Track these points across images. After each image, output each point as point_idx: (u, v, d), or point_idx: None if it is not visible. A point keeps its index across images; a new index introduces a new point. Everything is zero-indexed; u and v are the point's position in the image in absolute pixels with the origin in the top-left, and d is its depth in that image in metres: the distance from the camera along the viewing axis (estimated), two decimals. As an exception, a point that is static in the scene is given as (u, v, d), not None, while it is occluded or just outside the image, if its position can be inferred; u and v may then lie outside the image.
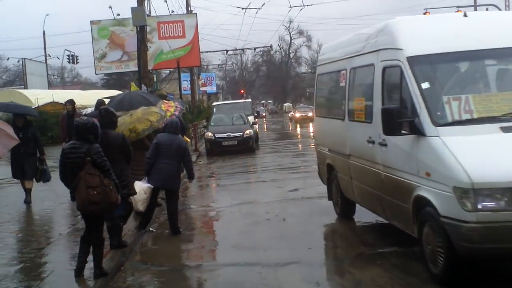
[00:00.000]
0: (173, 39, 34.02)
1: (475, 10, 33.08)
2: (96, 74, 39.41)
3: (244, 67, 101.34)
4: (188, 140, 18.72)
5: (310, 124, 41.87)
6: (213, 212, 11.28)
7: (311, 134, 32.28)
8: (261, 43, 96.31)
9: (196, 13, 36.43)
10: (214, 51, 56.45)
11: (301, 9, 40.03)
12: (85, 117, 6.78)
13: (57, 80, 78.13)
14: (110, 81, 78.41)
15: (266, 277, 6.72)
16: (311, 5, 41.02)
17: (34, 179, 11.69)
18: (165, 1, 33.77)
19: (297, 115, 52.85)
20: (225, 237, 9.03)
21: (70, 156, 6.54)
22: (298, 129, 41.16)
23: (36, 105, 30.13)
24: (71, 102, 13.87)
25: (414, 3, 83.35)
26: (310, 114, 50.00)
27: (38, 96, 32.01)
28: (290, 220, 9.71)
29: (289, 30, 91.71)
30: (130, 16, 33.65)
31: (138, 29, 21.68)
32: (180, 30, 34.96)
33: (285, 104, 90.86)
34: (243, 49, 57.94)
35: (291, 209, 10.73)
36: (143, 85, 21.63)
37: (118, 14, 35.51)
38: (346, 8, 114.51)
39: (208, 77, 70.30)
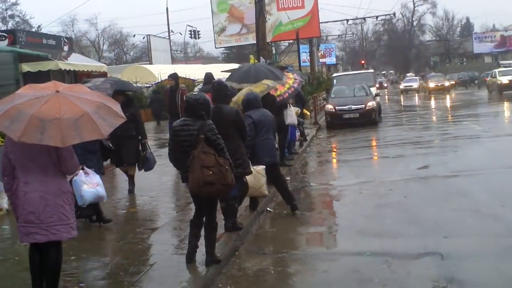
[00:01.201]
0: (292, 10, 33.34)
1: None
2: (215, 48, 39.68)
3: (364, 37, 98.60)
4: (308, 113, 18.05)
5: (447, 97, 39.31)
6: (334, 191, 10.44)
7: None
8: (383, 11, 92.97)
9: (314, -16, 35.35)
10: (334, 21, 54.83)
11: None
12: (197, 92, 6.24)
13: (180, 55, 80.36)
14: (231, 55, 79.49)
15: (396, 271, 5.85)
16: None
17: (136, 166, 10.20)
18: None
19: (431, 85, 46.83)
20: (348, 221, 8.18)
21: (182, 134, 6.04)
22: (432, 102, 35.76)
23: (159, 80, 30.82)
24: (174, 76, 13.26)
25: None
26: (446, 83, 47.00)
27: (161, 70, 32.63)
28: (420, 202, 8.70)
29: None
30: (249, -12, 33.34)
31: (256, 0, 21.18)
32: (299, 0, 34.15)
33: (408, 74, 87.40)
34: (364, 18, 55.85)
35: (421, 189, 9.72)
36: (261, 57, 21.16)
37: (237, -13, 35.41)
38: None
39: (328, 48, 68.84)
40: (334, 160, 14.61)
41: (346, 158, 14.45)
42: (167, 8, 56.70)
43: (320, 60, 59.95)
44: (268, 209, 9.02)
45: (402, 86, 52.89)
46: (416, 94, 48.36)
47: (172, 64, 49.48)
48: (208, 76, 12.67)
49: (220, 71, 33.03)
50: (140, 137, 9.97)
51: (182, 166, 6.16)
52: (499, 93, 33.64)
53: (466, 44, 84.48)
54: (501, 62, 68.19)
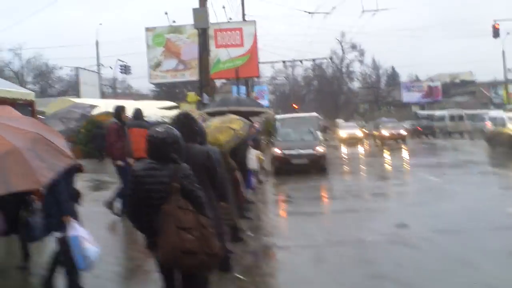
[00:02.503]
0: (231, 47, 32.14)
1: None
2: (150, 83, 37.82)
3: (294, 81, 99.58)
4: (262, 158, 16.54)
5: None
6: (309, 254, 8.63)
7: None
8: (316, 56, 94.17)
9: (255, 21, 34.34)
10: (272, 62, 54.47)
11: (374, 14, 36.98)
12: (159, 128, 4.55)
13: (108, 90, 77.58)
14: (161, 93, 77.61)
15: None
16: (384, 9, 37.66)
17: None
18: (223, 7, 32.14)
19: (385, 133, 39.64)
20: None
21: (147, 182, 4.40)
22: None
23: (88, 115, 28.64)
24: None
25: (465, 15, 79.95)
26: (403, 132, 39.75)
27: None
28: (422, 275, 7.17)
29: (341, 44, 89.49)
30: (186, 23, 32.08)
31: (199, 32, 19.80)
32: (238, 38, 33.08)
33: (337, 120, 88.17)
34: (301, 61, 55.81)
35: (412, 254, 8.25)
36: (204, 94, 19.63)
37: (174, 21, 33.96)
38: (400, 20, 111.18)
39: (260, 90, 68.22)
40: (295, 213, 12.74)
41: (308, 210, 12.87)
42: (96, 41, 54.25)
43: (254, 102, 58.99)
44: (237, 275, 7.31)
45: (343, 134, 43.74)
46: (360, 145, 40.83)
47: (101, 99, 47.20)
48: (137, 111, 11.65)
49: (157, 108, 31.38)
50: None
51: (147, 227, 4.44)
52: None
53: (394, 92, 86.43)
54: (418, 112, 69.95)
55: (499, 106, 70.28)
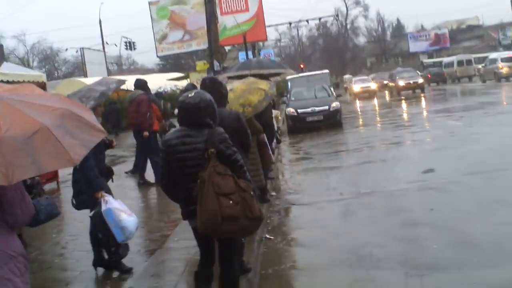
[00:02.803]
0: (236, 13, 31.66)
1: None
2: (157, 56, 37.50)
3: (300, 42, 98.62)
4: (279, 117, 16.39)
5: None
6: (338, 207, 8.48)
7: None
8: (320, 15, 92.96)
9: (257, -15, 33.75)
10: (277, 25, 53.70)
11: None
12: (190, 93, 4.34)
13: (114, 68, 77.33)
14: (167, 65, 77.31)
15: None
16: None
17: None
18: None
19: (401, 83, 37.94)
20: (381, 248, 6.36)
21: (181, 150, 4.20)
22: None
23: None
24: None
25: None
26: (420, 80, 37.77)
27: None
28: (457, 217, 6.99)
29: (344, 0, 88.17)
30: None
31: (206, 0, 19.47)
32: (243, 4, 32.59)
33: (345, 76, 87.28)
34: (307, 20, 55.11)
35: (444, 198, 8.06)
36: (215, 62, 19.37)
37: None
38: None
39: (266, 54, 67.52)
40: (316, 169, 12.57)
41: (329, 165, 12.71)
42: (100, 19, 53.71)
43: (261, 66, 58.44)
44: (266, 235, 7.22)
45: (356, 87, 42.66)
46: (376, 98, 40.08)
47: (108, 76, 47.01)
48: (139, 81, 11.66)
49: (166, 80, 31.16)
50: None
51: (183, 197, 4.28)
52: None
53: (401, 44, 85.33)
54: (424, 61, 69.28)
55: (508, 47, 69.29)
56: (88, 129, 3.32)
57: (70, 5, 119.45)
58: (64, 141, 3.04)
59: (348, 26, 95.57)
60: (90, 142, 3.29)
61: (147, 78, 33.65)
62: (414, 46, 79.71)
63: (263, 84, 7.48)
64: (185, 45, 33.09)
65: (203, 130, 4.20)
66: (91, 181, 5.62)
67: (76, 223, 8.51)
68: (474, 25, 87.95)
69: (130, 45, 56.73)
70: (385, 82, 45.15)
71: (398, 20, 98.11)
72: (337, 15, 55.32)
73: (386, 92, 43.34)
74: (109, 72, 56.54)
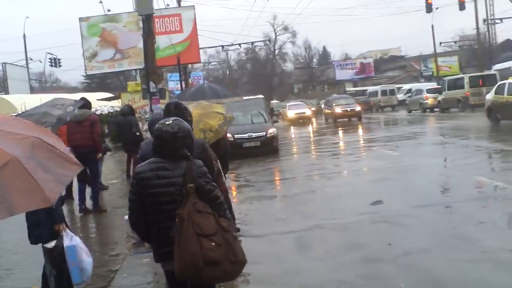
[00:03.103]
0: (170, 33, 31.09)
1: None
2: (86, 74, 36.24)
3: (227, 66, 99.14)
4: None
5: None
6: (289, 240, 8.18)
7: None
8: (250, 40, 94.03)
9: (193, 6, 33.42)
10: (209, 47, 53.64)
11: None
12: (167, 120, 3.96)
13: (35, 85, 74.62)
14: (92, 84, 75.48)
15: None
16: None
17: None
18: (161, -6, 30.93)
19: (338, 110, 36.94)
20: None
21: (156, 184, 3.82)
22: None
23: (23, 111, 27.24)
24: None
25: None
26: (357, 108, 36.85)
27: (24, 101, 29.02)
28: (420, 254, 6.84)
29: (273, 26, 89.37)
30: (122, 11, 30.92)
31: (143, 18, 18.97)
32: (177, 24, 32.09)
33: (272, 102, 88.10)
34: (239, 44, 55.37)
35: (401, 233, 7.95)
36: (151, 83, 18.84)
37: (109, 10, 32.66)
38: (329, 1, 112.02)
39: (196, 76, 67.27)
40: (260, 197, 12.10)
41: (273, 193, 12.49)
42: (24, 34, 51.87)
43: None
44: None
45: (291, 113, 41.16)
46: (311, 125, 39.05)
47: (31, 93, 45.29)
48: (86, 100, 11.19)
49: (96, 100, 30.13)
50: None
51: (157, 236, 3.89)
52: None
53: (328, 71, 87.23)
54: (347, 89, 71.44)
55: (429, 78, 72.26)
56: (62, 161, 2.91)
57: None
58: (38, 176, 2.63)
59: (276, 52, 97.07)
60: (66, 177, 2.89)
61: (73, 97, 32.60)
62: (340, 74, 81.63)
63: (219, 108, 7.19)
64: (116, 64, 32.16)
65: (180, 162, 3.87)
66: (53, 210, 5.04)
67: (9, 255, 7.82)
68: (397, 56, 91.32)
69: (55, 62, 55.00)
70: (323, 108, 44.35)
71: (324, 48, 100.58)
72: (268, 40, 55.83)
73: (322, 118, 43.32)
74: (32, 89, 54.53)
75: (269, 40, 58.91)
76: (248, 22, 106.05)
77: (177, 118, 4.11)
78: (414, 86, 49.37)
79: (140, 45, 32.05)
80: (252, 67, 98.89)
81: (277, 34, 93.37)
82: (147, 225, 3.92)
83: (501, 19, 46.41)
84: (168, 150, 3.86)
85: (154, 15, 31.88)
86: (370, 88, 60.11)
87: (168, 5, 32.45)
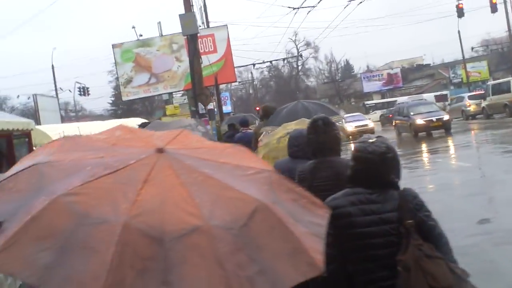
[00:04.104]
0: (205, 54, 30.46)
1: None
2: (123, 100, 35.87)
3: (253, 84, 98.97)
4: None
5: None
6: None
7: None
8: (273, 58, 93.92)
9: (226, 25, 32.79)
10: (243, 66, 53.51)
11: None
12: (368, 139, 3.11)
13: (62, 114, 74.87)
14: (118, 111, 75.50)
15: None
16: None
17: None
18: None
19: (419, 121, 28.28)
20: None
21: (362, 222, 3.00)
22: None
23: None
24: None
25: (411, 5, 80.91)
26: (445, 117, 28.44)
27: (63, 130, 28.53)
28: None
29: (295, 42, 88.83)
30: (154, 35, 30.46)
31: (188, 38, 18.35)
32: (211, 45, 31.54)
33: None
34: (271, 61, 55.14)
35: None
36: (200, 104, 18.13)
37: (141, 35, 32.32)
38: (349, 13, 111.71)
39: (223, 96, 66.87)
40: None
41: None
42: (52, 65, 51.94)
43: (218, 108, 57.62)
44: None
45: (350, 127, 34.18)
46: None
47: (62, 123, 45.05)
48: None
49: (137, 125, 29.60)
50: None
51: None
52: None
53: (355, 84, 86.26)
54: (366, 102, 70.11)
55: (458, 85, 70.91)
56: (307, 204, 2.07)
57: (23, 51, 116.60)
58: (294, 229, 1.80)
59: (300, 67, 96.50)
60: (320, 228, 2.04)
61: (107, 124, 32.17)
62: (368, 86, 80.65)
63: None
64: (151, 89, 31.70)
65: (388, 191, 3.00)
66: None
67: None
68: (423, 64, 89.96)
69: (84, 91, 54.98)
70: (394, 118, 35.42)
71: (347, 61, 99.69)
72: (301, 55, 55.48)
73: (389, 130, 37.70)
74: (63, 119, 54.48)
75: (301, 55, 58.10)
76: (273, 39, 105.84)
77: (380, 135, 3.26)
78: (459, 93, 48.10)
79: (174, 68, 31.79)
80: (276, 85, 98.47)
81: (299, 50, 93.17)
82: (348, 276, 3.06)
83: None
84: (374, 176, 3.01)
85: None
86: (399, 99, 58.18)
87: (200, 26, 31.76)
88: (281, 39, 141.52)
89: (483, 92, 36.73)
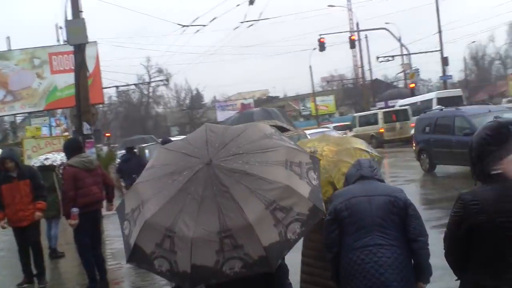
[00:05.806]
0: (70, 72, 28.01)
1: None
2: (-27, 119, 31.92)
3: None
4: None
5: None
6: None
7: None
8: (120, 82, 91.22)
9: (96, 41, 30.22)
10: (109, 87, 50.75)
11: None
12: None
13: None
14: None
15: None
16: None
17: None
18: (60, 27, 28.09)
19: None
20: None
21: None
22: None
23: None
24: None
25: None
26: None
27: None
28: None
29: (147, 69, 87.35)
30: (14, 48, 27.50)
31: (76, 49, 16.41)
32: (76, 62, 29.09)
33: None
34: (136, 84, 53.28)
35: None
36: (84, 123, 16.24)
37: (-4, 47, 29.08)
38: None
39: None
40: None
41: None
42: None
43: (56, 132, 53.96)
44: None
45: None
46: None
47: None
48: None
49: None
50: None
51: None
52: None
53: (208, 112, 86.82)
54: None
55: (307, 117, 73.97)
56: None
57: None
58: None
59: (151, 94, 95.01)
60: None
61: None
62: (222, 115, 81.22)
63: (360, 143, 5.17)
64: (7, 107, 28.45)
65: None
66: None
67: None
68: (274, 96, 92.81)
69: None
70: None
71: (197, 90, 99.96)
72: (167, 79, 53.99)
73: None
74: None
75: (167, 80, 56.57)
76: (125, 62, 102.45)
77: None
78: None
79: (34, 85, 28.88)
80: (126, 111, 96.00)
81: (151, 77, 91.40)
82: None
83: (392, 56, 47.82)
84: None
85: (50, 52, 29.13)
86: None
87: (65, 41, 29.20)
88: (133, 63, 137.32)
89: (349, 123, 38.00)
